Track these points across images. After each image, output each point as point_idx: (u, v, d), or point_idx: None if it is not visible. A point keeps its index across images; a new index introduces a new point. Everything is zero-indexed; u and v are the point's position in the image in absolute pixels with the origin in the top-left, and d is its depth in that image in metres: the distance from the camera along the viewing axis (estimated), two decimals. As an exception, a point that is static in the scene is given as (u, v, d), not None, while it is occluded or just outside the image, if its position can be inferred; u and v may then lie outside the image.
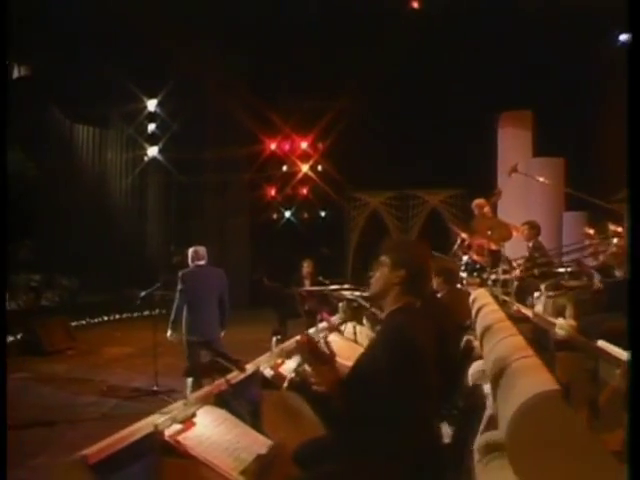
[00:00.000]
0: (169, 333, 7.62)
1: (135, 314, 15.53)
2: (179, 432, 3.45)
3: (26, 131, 20.58)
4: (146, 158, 17.40)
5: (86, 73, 17.49)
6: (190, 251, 7.77)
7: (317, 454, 3.29)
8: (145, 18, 15.62)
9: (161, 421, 3.49)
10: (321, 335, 5.62)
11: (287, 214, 17.81)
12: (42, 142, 19.88)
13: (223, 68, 15.82)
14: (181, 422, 3.51)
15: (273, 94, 15.39)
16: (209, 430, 3.61)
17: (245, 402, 4.11)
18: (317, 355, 3.26)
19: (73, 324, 13.58)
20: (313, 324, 6.41)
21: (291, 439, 3.70)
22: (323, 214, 17.89)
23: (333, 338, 5.96)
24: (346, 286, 10.85)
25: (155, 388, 8.32)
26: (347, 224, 17.31)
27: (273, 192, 17.59)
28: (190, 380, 6.88)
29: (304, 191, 17.57)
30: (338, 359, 4.73)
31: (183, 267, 15.64)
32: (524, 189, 12.26)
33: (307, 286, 11.54)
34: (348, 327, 6.82)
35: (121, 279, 17.64)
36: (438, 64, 13.73)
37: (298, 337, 6.02)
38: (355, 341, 6.46)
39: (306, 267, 11.71)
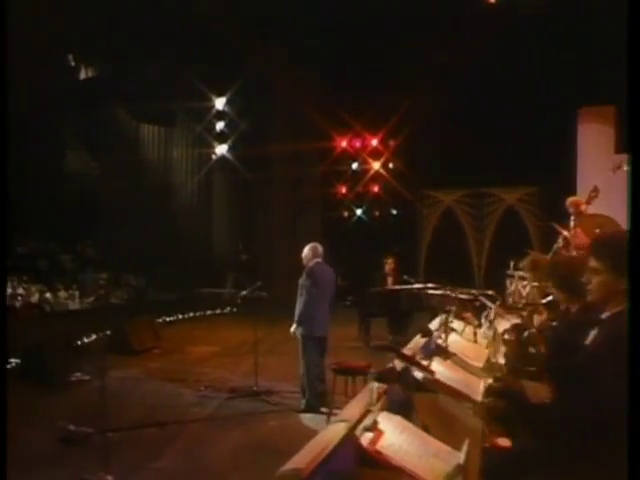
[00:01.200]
0: (294, 327, 7.61)
1: (208, 312, 15.66)
2: (374, 441, 3.34)
3: (91, 131, 20.89)
4: (214, 156, 17.45)
5: (152, 73, 17.63)
6: (308, 248, 7.75)
7: (518, 466, 3.17)
8: (214, 17, 15.68)
9: (359, 429, 3.38)
10: (439, 334, 5.50)
11: (358, 212, 17.70)
12: (108, 142, 20.13)
13: (293, 65, 15.76)
14: (370, 430, 3.40)
15: (344, 91, 15.27)
16: (396, 438, 3.49)
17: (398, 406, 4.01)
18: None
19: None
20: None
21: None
22: (394, 212, 17.73)
23: (454, 338, 5.81)
24: (430, 285, 10.76)
25: (255, 388, 8.28)
26: (419, 222, 17.13)
27: (344, 190, 17.50)
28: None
29: (375, 189, 17.45)
30: (464, 358, 4.62)
31: (250, 265, 15.62)
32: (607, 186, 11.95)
33: (390, 284, 11.44)
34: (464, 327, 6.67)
35: (188, 278, 17.75)
36: (515, 60, 13.49)
37: (418, 336, 5.91)
38: (475, 341, 6.32)
39: (389, 264, 11.59)
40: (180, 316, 14.67)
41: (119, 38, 17.75)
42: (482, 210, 16.50)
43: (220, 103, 16.69)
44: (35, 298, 16.81)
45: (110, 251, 20.73)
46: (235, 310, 15.59)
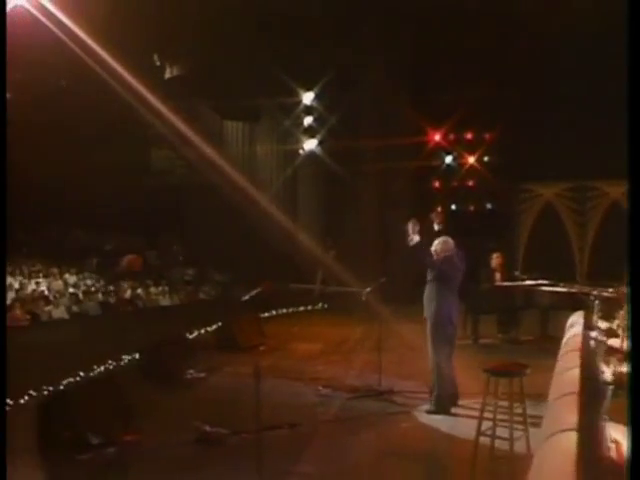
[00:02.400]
0: (425, 312, 7.39)
1: (301, 308, 15.56)
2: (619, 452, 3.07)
3: (176, 129, 21.00)
4: (301, 151, 17.34)
5: (236, 69, 17.62)
6: (438, 241, 7.49)
7: None
8: (300, 11, 15.53)
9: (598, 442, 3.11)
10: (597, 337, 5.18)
11: (452, 207, 17.33)
12: (192, 139, 20.21)
13: (384, 57, 15.51)
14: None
15: (437, 83, 14.95)
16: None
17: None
18: None
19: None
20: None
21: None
22: (490, 206, 17.29)
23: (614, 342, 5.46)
24: (543, 281, 10.37)
25: (379, 388, 8.08)
26: (517, 217, 16.66)
27: (437, 184, 17.17)
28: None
29: (470, 183, 17.05)
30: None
31: (339, 261, 15.26)
32: None
33: (498, 280, 11.07)
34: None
35: (274, 273, 17.68)
36: (616, 42, 12.86)
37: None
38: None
39: (496, 260, 11.22)
40: (274, 312, 14.57)
41: (203, 36, 17.81)
42: (585, 204, 15.91)
43: (308, 98, 16.55)
44: (128, 294, 17.04)
45: (195, 247, 20.94)
46: (326, 306, 15.48)
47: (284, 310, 14.99)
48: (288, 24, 15.54)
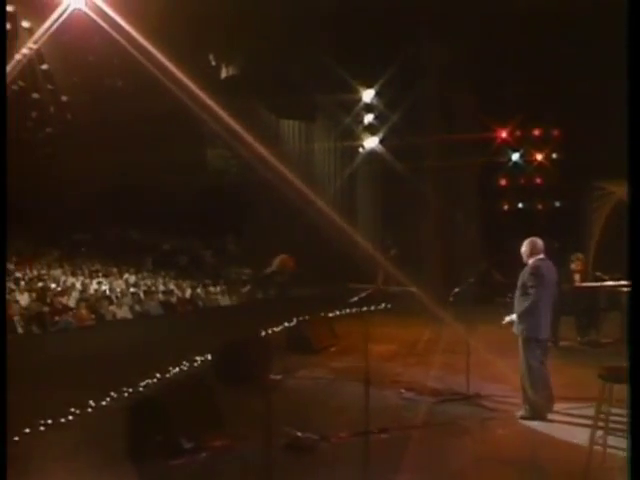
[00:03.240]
0: (515, 327, 7.02)
1: (364, 308, 15.23)
2: None
3: (231, 128, 20.93)
4: (361, 149, 17.09)
5: (294, 68, 17.45)
6: (526, 243, 7.15)
7: None
8: (361, 8, 15.29)
9: None
10: None
11: (519, 205, 16.90)
12: (248, 138, 20.11)
13: (446, 54, 15.17)
14: None
15: (504, 79, 14.55)
16: None
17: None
18: None
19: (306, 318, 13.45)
20: None
21: None
22: (558, 204, 16.80)
23: None
24: (624, 282, 9.93)
25: (466, 391, 7.78)
26: (587, 216, 16.11)
27: (504, 181, 16.75)
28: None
29: (538, 180, 16.59)
30: None
31: (400, 260, 15.01)
32: None
33: (577, 281, 10.66)
34: None
35: (332, 273, 17.50)
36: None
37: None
38: None
39: (577, 261, 10.80)
40: (337, 312, 14.33)
41: (260, 35, 17.69)
42: (660, 202, 15.27)
43: (368, 95, 16.30)
44: (188, 294, 17.02)
45: (251, 246, 20.88)
46: (389, 307, 15.20)
47: (347, 310, 14.70)
48: (349, 22, 15.31)
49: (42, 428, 6.57)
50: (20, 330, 12.45)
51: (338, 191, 18.80)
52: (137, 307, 15.26)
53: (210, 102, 18.91)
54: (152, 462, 5.74)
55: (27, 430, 6.42)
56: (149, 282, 17.89)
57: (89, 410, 7.26)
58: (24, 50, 18.42)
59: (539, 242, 7.14)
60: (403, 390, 8.16)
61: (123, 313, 14.73)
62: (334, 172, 18.91)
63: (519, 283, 7.13)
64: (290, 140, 19.84)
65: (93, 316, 14.15)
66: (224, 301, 17.08)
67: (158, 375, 8.81)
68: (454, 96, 14.85)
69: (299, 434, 6.35)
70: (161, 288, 17.26)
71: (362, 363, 9.77)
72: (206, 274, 19.85)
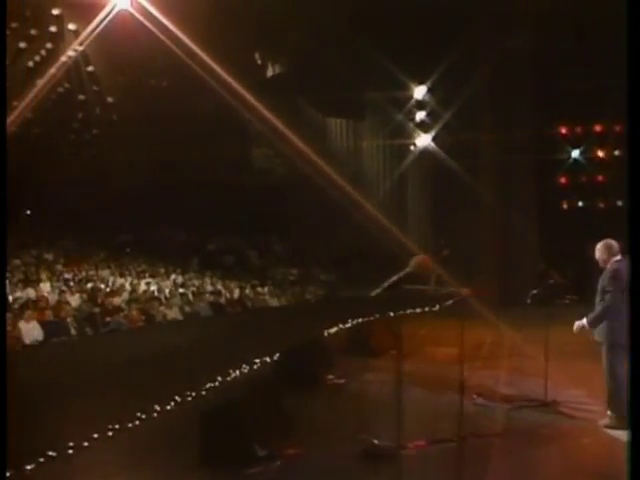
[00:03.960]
0: (597, 333, 6.69)
1: (418, 310, 14.98)
2: None
3: (277, 127, 20.81)
4: (412, 147, 16.78)
5: (341, 65, 17.18)
6: (601, 246, 6.80)
7: None
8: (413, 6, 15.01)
9: None
10: None
11: (580, 203, 16.41)
12: (294, 137, 19.94)
13: (500, 50, 14.79)
14: None
15: (563, 73, 14.11)
16: None
17: None
18: None
19: (358, 320, 13.22)
20: None
21: None
22: (620, 203, 16.25)
23: None
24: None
25: (545, 398, 7.45)
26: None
27: (563, 179, 16.29)
28: None
29: (600, 178, 16.10)
30: None
31: (453, 261, 14.58)
32: None
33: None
34: None
35: (380, 273, 17.19)
36: None
37: None
38: None
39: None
40: (391, 314, 14.00)
41: (306, 33, 17.50)
42: None
43: (420, 92, 15.96)
44: (236, 294, 16.90)
45: (298, 247, 20.72)
46: (444, 308, 14.86)
47: (400, 312, 14.38)
48: (400, 16, 15.03)
49: (110, 433, 6.41)
50: (73, 331, 12.41)
51: (387, 190, 18.50)
52: (187, 308, 15.16)
53: (255, 101, 18.80)
54: (227, 470, 5.55)
55: (95, 435, 6.27)
56: (196, 282, 17.81)
57: (155, 415, 7.10)
58: (70, 52, 18.54)
59: (614, 244, 6.79)
60: (475, 396, 7.85)
61: (173, 314, 14.65)
62: (383, 171, 18.63)
63: (599, 287, 6.81)
64: (337, 138, 19.61)
65: (143, 317, 14.08)
66: (272, 302, 16.90)
67: (219, 378, 8.63)
68: (510, 91, 14.41)
69: (375, 441, 6.09)
70: (209, 289, 17.17)
71: (426, 367, 9.59)
72: (252, 274, 19.74)
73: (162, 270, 18.56)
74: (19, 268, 16.66)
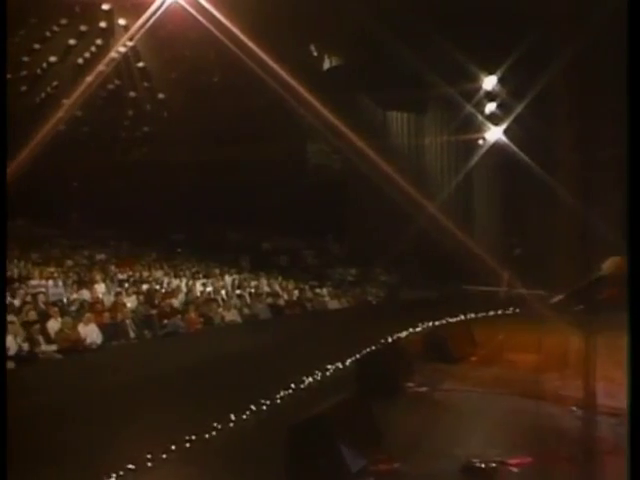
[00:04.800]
0: None
1: (491, 313, 14.52)
2: None
3: (334, 122, 20.49)
4: (481, 141, 16.26)
5: (403, 56, 16.74)
6: None
7: None
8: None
9: None
10: None
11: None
12: (352, 132, 19.60)
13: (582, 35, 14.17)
14: None
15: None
16: None
17: None
18: None
19: (429, 324, 12.83)
20: None
21: None
22: None
23: None
24: None
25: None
26: None
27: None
28: None
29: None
30: None
31: (524, 260, 13.93)
32: None
33: None
34: None
35: (447, 274, 16.78)
36: None
37: None
38: None
39: None
40: (462, 317, 13.59)
41: (365, 23, 17.12)
42: None
43: (490, 83, 15.41)
44: (295, 296, 16.63)
45: (356, 246, 20.36)
46: (518, 311, 14.34)
47: (472, 315, 13.94)
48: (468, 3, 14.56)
49: (187, 444, 6.16)
50: (132, 334, 12.28)
51: (452, 187, 17.99)
52: (245, 310, 14.94)
53: (311, 95, 18.51)
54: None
55: (172, 447, 6.03)
56: (252, 283, 17.59)
57: (231, 425, 6.84)
58: (120, 48, 18.52)
59: None
60: (574, 407, 7.37)
61: (231, 316, 14.44)
62: (447, 166, 18.15)
63: None
64: (398, 134, 19.20)
65: (201, 319, 13.89)
66: (333, 304, 16.55)
67: (292, 385, 8.34)
68: (590, 80, 13.79)
69: (476, 461, 5.71)
70: (266, 290, 16.94)
71: (511, 374, 9.14)
72: (308, 275, 19.46)
73: (217, 270, 18.40)
74: (72, 269, 16.68)
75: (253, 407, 7.36)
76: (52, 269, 15.89)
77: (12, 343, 10.08)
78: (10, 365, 9.58)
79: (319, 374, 9.07)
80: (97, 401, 7.52)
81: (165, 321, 13.47)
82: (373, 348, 9.45)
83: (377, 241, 18.46)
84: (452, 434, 6.60)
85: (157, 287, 15.82)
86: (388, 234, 18.06)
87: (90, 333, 11.44)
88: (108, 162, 22.42)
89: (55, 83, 18.67)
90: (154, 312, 13.75)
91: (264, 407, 7.48)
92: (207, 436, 6.44)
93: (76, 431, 6.44)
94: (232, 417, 6.98)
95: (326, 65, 19.52)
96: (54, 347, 10.58)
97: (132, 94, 19.87)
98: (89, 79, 17.82)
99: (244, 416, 7.11)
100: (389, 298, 17.21)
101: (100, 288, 14.82)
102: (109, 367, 9.46)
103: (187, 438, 6.25)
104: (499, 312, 14.58)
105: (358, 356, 9.29)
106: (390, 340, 10.61)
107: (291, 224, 20.75)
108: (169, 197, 22.21)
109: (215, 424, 6.68)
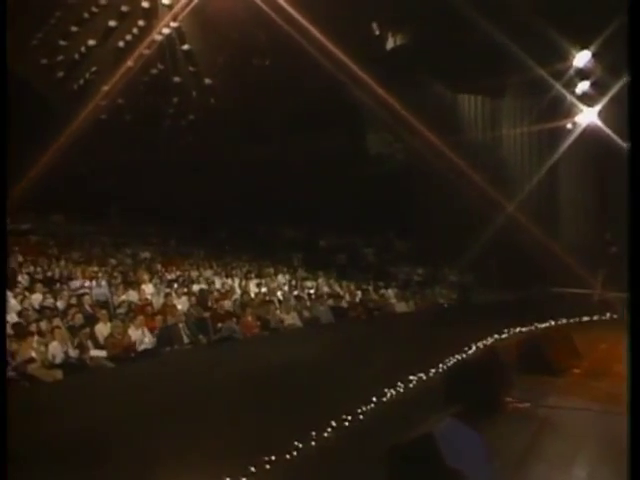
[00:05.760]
0: None
1: (585, 318, 13.81)
2: None
3: (397, 108, 19.96)
4: (570, 126, 15.52)
5: (477, 33, 16.09)
6: None
7: None
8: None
9: None
10: None
11: None
12: (416, 119, 19.04)
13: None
14: None
15: None
16: None
17: None
18: None
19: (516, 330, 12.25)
20: None
21: None
22: None
23: None
24: None
25: None
26: None
27: None
28: None
29: None
30: None
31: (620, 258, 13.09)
32: None
33: None
34: None
35: (529, 274, 16.14)
36: None
37: None
38: None
39: None
40: (552, 323, 12.93)
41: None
42: None
43: (582, 59, 14.62)
44: (358, 298, 16.19)
45: (422, 244, 19.79)
46: (615, 317, 13.61)
47: (563, 320, 13.26)
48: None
49: (267, 466, 5.75)
50: (186, 339, 11.94)
51: (535, 178, 17.25)
52: (305, 313, 14.54)
53: (372, 78, 18.01)
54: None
55: (252, 469, 5.62)
56: (309, 284, 17.19)
57: (313, 444, 6.41)
58: (164, 30, 18.29)
59: None
60: None
61: (291, 320, 14.06)
62: (529, 154, 17.45)
63: None
64: (471, 120, 18.55)
65: (258, 323, 13.54)
66: (400, 306, 16.03)
67: (374, 399, 7.87)
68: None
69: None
70: (326, 290, 16.52)
71: (623, 390, 8.46)
72: (369, 274, 19.01)
73: (271, 269, 18.05)
74: (116, 268, 16.44)
75: (334, 423, 6.91)
76: (95, 268, 15.67)
77: (58, 350, 9.83)
78: (57, 374, 9.34)
79: (402, 385, 8.56)
80: (154, 414, 7.20)
81: (219, 325, 13.13)
82: (460, 357, 8.88)
83: (446, 239, 17.87)
84: (575, 460, 6.08)
85: (208, 288, 15.52)
86: (459, 231, 17.46)
87: (142, 338, 11.16)
88: (152, 153, 22.25)
89: (94, 68, 18.52)
90: (207, 315, 13.42)
91: (346, 423, 7.02)
92: (288, 456, 6.02)
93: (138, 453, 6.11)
94: (313, 434, 6.54)
95: (389, 45, 18.96)
96: (104, 353, 10.30)
97: (177, 79, 19.60)
98: (130, 64, 17.67)
99: (325, 434, 6.67)
100: (462, 300, 16.65)
101: (148, 289, 14.56)
102: (167, 376, 9.13)
103: (266, 459, 5.84)
104: (594, 318, 13.86)
105: (444, 366, 8.73)
106: (480, 348, 10.05)
107: (350, 219, 20.26)
108: (216, 190, 21.94)
109: (295, 442, 6.25)
